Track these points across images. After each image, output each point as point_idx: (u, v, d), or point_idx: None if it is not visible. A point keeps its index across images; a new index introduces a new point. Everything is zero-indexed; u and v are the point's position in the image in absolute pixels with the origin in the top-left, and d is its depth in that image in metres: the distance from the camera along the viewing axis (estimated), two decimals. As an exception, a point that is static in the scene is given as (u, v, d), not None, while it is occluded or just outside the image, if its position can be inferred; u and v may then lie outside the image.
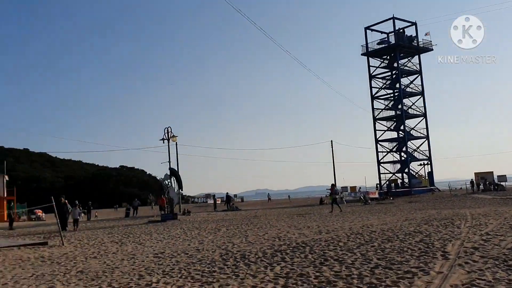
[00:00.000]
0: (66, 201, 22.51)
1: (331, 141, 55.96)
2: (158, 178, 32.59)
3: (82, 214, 34.74)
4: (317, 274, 7.03)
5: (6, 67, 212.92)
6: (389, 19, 54.29)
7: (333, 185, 31.37)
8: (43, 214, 41.19)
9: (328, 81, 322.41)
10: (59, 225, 15.88)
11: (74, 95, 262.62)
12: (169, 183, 30.47)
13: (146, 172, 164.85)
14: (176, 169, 34.40)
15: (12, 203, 36.01)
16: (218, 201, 53.84)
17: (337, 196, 29.40)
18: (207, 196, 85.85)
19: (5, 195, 41.71)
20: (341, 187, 49.61)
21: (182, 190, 35.79)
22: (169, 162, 35.03)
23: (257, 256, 9.31)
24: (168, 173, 31.32)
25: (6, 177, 45.53)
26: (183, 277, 7.58)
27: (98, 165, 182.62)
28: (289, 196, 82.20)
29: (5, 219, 30.21)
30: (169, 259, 9.78)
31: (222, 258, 9.40)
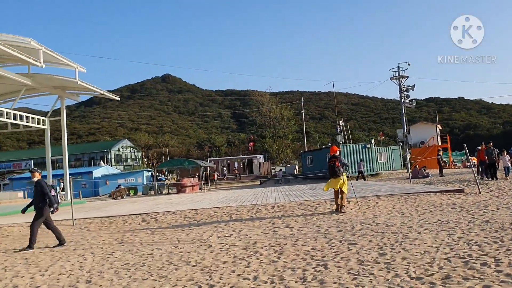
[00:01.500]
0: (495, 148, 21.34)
1: None
2: None
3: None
4: None
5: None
6: None
7: None
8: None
9: None
10: (474, 172, 15.41)
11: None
12: None
13: None
14: None
15: (441, 151, 37.21)
16: None
17: None
18: None
19: (439, 143, 43.89)
20: None
21: None
22: None
23: None
24: None
25: (439, 126, 47.83)
26: None
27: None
28: None
29: (437, 166, 31.67)
30: None
31: None
